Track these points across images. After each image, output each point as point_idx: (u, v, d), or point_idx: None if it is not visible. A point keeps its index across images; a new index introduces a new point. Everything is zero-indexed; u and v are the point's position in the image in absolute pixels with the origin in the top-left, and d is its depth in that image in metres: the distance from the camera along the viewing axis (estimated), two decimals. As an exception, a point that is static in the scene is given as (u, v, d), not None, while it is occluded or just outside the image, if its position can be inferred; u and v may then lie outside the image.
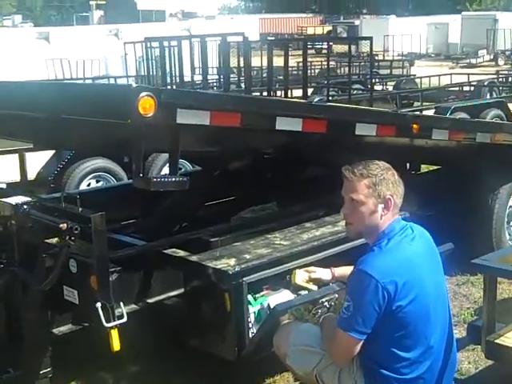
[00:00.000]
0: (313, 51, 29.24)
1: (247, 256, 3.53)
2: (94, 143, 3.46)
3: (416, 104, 15.32)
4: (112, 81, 19.22)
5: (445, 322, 2.89)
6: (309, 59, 16.57)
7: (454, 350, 2.99)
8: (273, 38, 13.01)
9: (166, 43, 10.58)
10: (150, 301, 3.47)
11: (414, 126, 4.22)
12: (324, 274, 3.45)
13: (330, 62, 25.07)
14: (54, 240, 3.13)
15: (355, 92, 16.11)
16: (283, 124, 3.46)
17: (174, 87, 10.74)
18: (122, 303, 3.18)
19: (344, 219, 3.02)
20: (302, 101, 4.10)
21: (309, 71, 20.79)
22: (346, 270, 3.44)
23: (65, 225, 2.77)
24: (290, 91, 11.56)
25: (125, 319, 3.16)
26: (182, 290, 3.50)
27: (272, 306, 3.42)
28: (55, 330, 3.29)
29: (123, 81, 19.52)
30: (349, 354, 2.80)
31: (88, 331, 3.44)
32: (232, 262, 3.44)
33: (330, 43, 33.92)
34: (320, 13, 61.09)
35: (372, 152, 3.13)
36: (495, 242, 5.35)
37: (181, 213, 4.72)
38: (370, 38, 10.64)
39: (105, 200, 4.43)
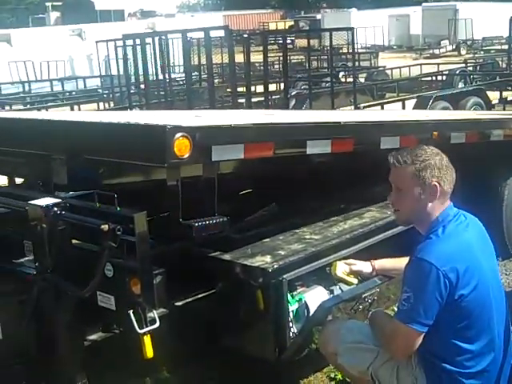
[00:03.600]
0: (275, 46, 29.16)
1: (282, 252, 3.40)
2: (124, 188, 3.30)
3: (391, 95, 15.39)
4: (81, 81, 18.99)
5: (503, 310, 2.80)
6: (272, 54, 16.63)
7: (511, 340, 2.90)
8: (246, 35, 12.92)
9: (147, 40, 10.37)
10: (182, 303, 3.31)
11: (434, 133, 4.14)
12: (364, 266, 3.35)
13: (299, 56, 25.21)
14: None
15: (327, 85, 16.10)
16: (313, 147, 3.40)
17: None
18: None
19: (392, 206, 2.94)
20: (330, 121, 3.96)
21: (276, 66, 20.83)
22: (386, 263, 3.36)
23: (106, 226, 2.59)
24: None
25: (157, 324, 3.01)
26: (216, 291, 3.35)
27: (309, 304, 3.32)
28: (89, 339, 3.12)
29: (93, 81, 19.27)
30: (410, 348, 2.67)
31: (119, 338, 3.28)
32: (268, 259, 3.31)
33: (293, 38, 33.97)
34: (280, 8, 61.09)
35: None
36: (506, 228, 5.34)
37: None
38: (352, 29, 10.57)
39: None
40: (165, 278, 2.81)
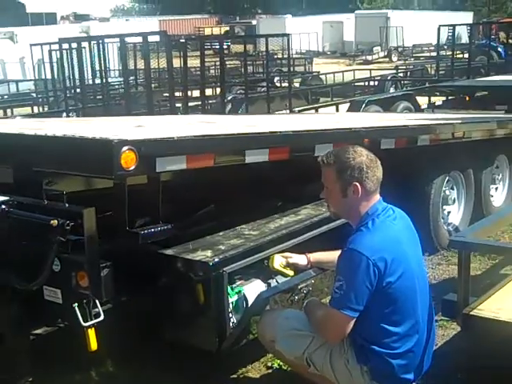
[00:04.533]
0: (211, 51, 29.33)
1: (222, 247, 3.56)
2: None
3: (325, 99, 15.74)
4: (13, 85, 18.69)
5: (427, 296, 3.03)
6: (208, 59, 16.80)
7: (434, 323, 3.14)
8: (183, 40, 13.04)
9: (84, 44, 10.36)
10: (127, 297, 3.43)
11: (365, 140, 4.38)
12: (300, 259, 3.53)
13: (234, 62, 25.39)
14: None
15: (263, 90, 16.35)
16: (252, 156, 3.59)
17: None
18: (97, 301, 3.14)
19: (325, 202, 3.16)
20: (267, 131, 4.14)
21: (212, 71, 20.99)
22: (320, 256, 3.55)
23: (56, 221, 2.69)
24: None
25: (102, 317, 3.13)
26: (159, 285, 3.48)
27: (248, 296, 3.49)
28: (34, 332, 3.20)
29: (25, 85, 19.00)
30: (342, 332, 2.87)
31: (65, 331, 3.37)
32: (208, 253, 3.46)
33: (229, 43, 34.08)
34: (215, 14, 61.27)
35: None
36: (432, 225, 5.65)
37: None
38: (287, 35, 10.80)
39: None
40: (112, 271, 2.94)
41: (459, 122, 5.76)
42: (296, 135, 4.04)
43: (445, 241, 5.59)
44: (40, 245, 2.91)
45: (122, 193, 3.01)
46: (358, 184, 2.90)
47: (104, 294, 2.95)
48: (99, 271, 2.89)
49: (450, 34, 21.20)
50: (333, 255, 3.42)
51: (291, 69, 21.38)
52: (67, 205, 2.90)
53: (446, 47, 22.77)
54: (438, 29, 17.02)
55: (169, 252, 3.50)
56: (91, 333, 3.10)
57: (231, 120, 6.45)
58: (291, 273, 3.53)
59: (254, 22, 45.53)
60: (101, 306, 3.13)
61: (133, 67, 14.58)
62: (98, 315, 3.11)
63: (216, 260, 3.36)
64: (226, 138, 3.56)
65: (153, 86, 15.29)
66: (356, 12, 43.69)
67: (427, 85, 14.94)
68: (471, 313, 3.19)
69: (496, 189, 6.84)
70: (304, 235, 3.87)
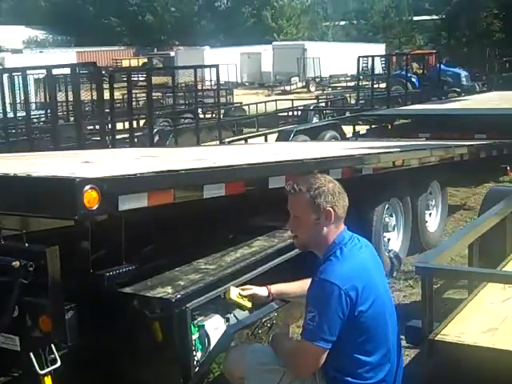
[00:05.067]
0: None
1: (181, 283, 3.48)
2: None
3: (249, 130, 15.87)
4: None
5: (395, 324, 3.04)
6: (124, 91, 16.63)
7: (402, 351, 3.15)
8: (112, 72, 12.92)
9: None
10: (87, 340, 3.28)
11: (316, 171, 4.40)
12: (260, 290, 3.44)
13: (154, 94, 25.29)
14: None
15: (186, 121, 16.37)
16: (209, 191, 3.57)
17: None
18: (53, 346, 3.00)
19: (291, 232, 3.10)
20: (223, 164, 4.13)
21: (134, 103, 20.82)
22: (282, 287, 3.50)
23: (17, 263, 2.55)
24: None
25: (58, 363, 2.99)
26: (119, 324, 3.36)
27: (209, 332, 3.41)
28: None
29: None
30: (315, 365, 2.83)
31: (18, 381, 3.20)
32: (169, 289, 3.37)
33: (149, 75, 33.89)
34: (132, 45, 60.99)
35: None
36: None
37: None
38: (216, 66, 10.83)
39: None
40: (76, 313, 2.81)
41: (398, 150, 5.89)
42: (251, 168, 4.03)
43: (386, 268, 5.67)
44: (-1, 288, 2.75)
45: (84, 233, 2.89)
46: (330, 209, 2.90)
47: (69, 338, 2.81)
48: (64, 314, 2.76)
49: (364, 64, 21.93)
50: (294, 286, 3.41)
51: (211, 100, 21.58)
52: (27, 244, 2.75)
53: (361, 77, 23.46)
54: (358, 59, 17.54)
55: (127, 290, 3.39)
56: (48, 381, 2.96)
57: (173, 153, 6.38)
58: (249, 304, 3.42)
59: (172, 54, 45.57)
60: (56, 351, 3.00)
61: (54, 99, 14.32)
62: (54, 361, 2.97)
63: (178, 296, 3.28)
64: (187, 173, 3.51)
65: (72, 119, 15.14)
66: (273, 43, 44.45)
67: (348, 114, 15.33)
68: (435, 338, 3.22)
69: (430, 214, 7.04)
70: (262, 267, 3.84)
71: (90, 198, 2.74)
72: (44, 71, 14.70)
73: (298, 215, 2.96)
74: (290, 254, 3.98)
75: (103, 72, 12.62)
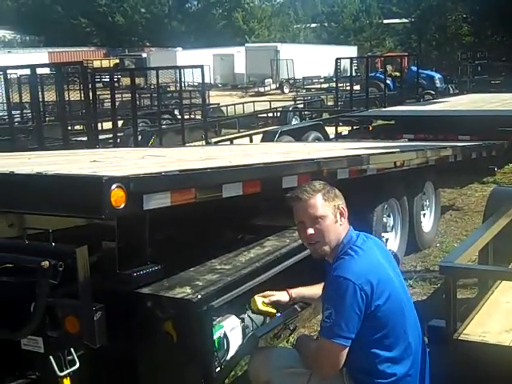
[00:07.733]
0: (100, 84, 28.89)
1: (199, 283, 3.40)
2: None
3: (227, 131, 15.83)
4: None
5: (415, 317, 3.02)
6: (99, 92, 16.52)
7: (425, 344, 3.11)
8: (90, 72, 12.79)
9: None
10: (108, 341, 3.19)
11: (325, 170, 4.40)
12: (281, 296, 3.41)
13: (126, 95, 25.18)
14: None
15: (164, 122, 16.26)
16: (228, 190, 3.52)
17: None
18: (72, 348, 2.91)
19: (307, 242, 3.02)
20: (241, 163, 4.08)
21: (106, 104, 20.63)
22: (302, 290, 3.47)
23: (47, 263, 2.46)
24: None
25: (77, 365, 2.91)
26: (136, 326, 3.26)
27: (227, 333, 3.35)
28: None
29: None
30: (337, 363, 2.78)
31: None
32: (188, 290, 3.29)
33: (119, 76, 33.82)
34: (103, 46, 60.46)
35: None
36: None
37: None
38: (201, 67, 10.74)
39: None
40: (104, 314, 2.72)
41: (398, 150, 5.89)
42: (267, 168, 3.98)
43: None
44: (25, 289, 2.65)
45: (110, 232, 2.80)
46: (343, 208, 2.93)
47: (97, 340, 2.72)
48: (92, 315, 2.67)
49: (338, 67, 22.01)
50: (314, 289, 3.38)
51: (187, 101, 21.48)
52: (53, 244, 2.66)
53: (334, 79, 23.52)
54: (336, 61, 17.59)
55: (146, 291, 3.30)
56: (66, 383, 2.87)
57: (176, 153, 6.29)
58: (274, 311, 3.41)
59: (144, 55, 45.25)
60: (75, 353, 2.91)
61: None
62: (73, 363, 2.88)
63: (199, 297, 3.20)
64: (209, 172, 3.45)
65: (47, 119, 14.99)
66: (246, 45, 44.42)
67: (327, 115, 15.38)
68: (459, 338, 3.19)
69: (424, 215, 7.05)
70: (277, 267, 3.78)
71: (117, 196, 2.69)
72: (17, 71, 14.62)
73: (318, 215, 2.90)
74: (304, 254, 3.93)
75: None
